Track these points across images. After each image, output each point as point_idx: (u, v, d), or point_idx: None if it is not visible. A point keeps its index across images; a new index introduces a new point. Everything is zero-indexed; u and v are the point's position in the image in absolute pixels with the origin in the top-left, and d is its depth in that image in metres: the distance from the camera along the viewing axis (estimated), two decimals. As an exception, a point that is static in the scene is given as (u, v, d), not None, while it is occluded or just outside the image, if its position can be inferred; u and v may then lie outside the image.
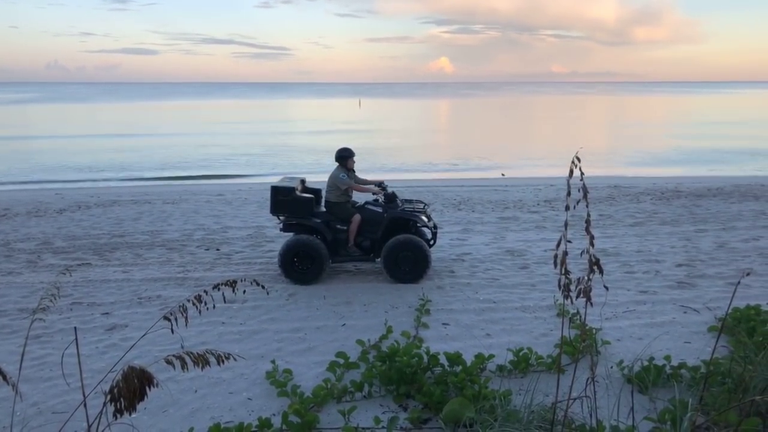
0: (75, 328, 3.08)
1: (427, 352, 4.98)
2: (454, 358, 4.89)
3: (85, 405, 2.58)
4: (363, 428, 4.20)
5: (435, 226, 8.19)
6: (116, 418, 2.14)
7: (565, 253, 2.33)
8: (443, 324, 6.37)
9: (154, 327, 3.66)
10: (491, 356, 5.10)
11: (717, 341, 3.41)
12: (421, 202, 8.35)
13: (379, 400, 4.70)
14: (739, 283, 3.24)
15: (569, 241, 2.32)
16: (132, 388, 2.04)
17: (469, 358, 4.98)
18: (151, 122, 51.60)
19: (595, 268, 2.38)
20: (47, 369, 5.34)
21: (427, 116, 64.91)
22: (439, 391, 4.44)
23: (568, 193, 2.36)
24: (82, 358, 5.35)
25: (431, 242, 8.09)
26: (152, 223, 11.73)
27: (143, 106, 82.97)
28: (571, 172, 2.31)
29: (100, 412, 2.31)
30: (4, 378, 2.65)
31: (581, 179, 2.32)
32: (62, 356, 5.03)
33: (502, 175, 20.52)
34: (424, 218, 7.90)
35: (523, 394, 4.08)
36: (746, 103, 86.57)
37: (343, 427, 4.14)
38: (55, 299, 3.24)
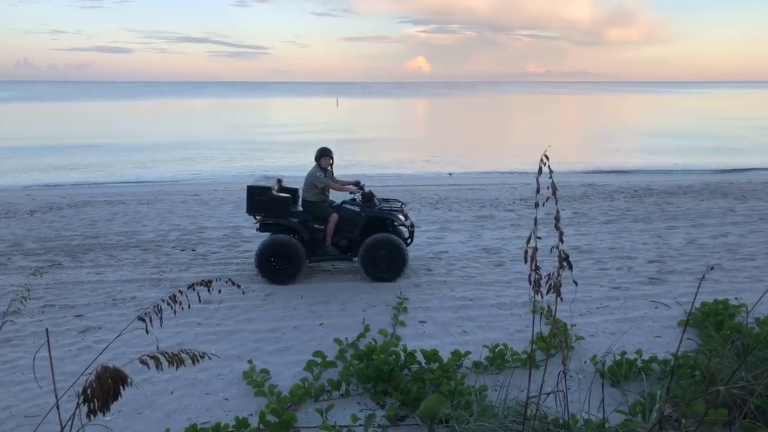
0: (47, 330, 3.04)
1: (405, 350, 5.02)
2: (431, 356, 4.94)
3: (57, 407, 2.55)
4: (340, 426, 4.21)
5: (412, 225, 8.24)
6: (89, 419, 2.13)
7: (536, 249, 2.38)
8: (420, 322, 6.41)
9: (128, 328, 3.62)
10: (467, 353, 5.16)
11: (683, 335, 3.51)
12: (399, 201, 8.40)
13: (357, 398, 4.73)
14: (703, 278, 3.33)
15: (539, 238, 2.37)
16: (105, 388, 2.03)
17: (445, 355, 5.04)
18: (124, 122, 50.82)
19: (564, 263, 2.43)
20: (19, 372, 5.25)
21: (405, 116, 65.03)
22: (416, 388, 4.48)
23: (537, 191, 2.41)
24: (55, 361, 5.27)
25: (408, 241, 8.13)
26: (126, 223, 11.57)
27: (116, 106, 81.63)
28: (540, 170, 2.36)
29: (73, 414, 2.29)
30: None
31: (550, 177, 2.38)
32: (34, 359, 4.95)
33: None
34: (402, 217, 7.94)
35: (498, 390, 4.15)
36: (714, 103, 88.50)
37: (321, 426, 4.15)
38: (26, 301, 3.19)
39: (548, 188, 2.35)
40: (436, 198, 14.35)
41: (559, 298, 2.47)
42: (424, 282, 7.74)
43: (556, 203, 2.40)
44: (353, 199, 8.18)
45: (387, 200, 8.33)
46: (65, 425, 2.47)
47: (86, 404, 2.07)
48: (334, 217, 7.90)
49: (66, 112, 65.65)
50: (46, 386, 4.62)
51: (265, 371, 5.12)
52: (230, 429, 4.16)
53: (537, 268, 2.42)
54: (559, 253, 2.41)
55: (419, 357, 4.97)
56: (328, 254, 8.02)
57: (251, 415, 4.44)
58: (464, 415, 3.83)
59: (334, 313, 6.71)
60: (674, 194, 14.54)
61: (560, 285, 2.43)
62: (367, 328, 5.95)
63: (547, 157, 2.31)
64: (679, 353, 3.75)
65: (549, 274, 2.48)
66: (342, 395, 4.75)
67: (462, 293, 7.30)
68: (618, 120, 53.51)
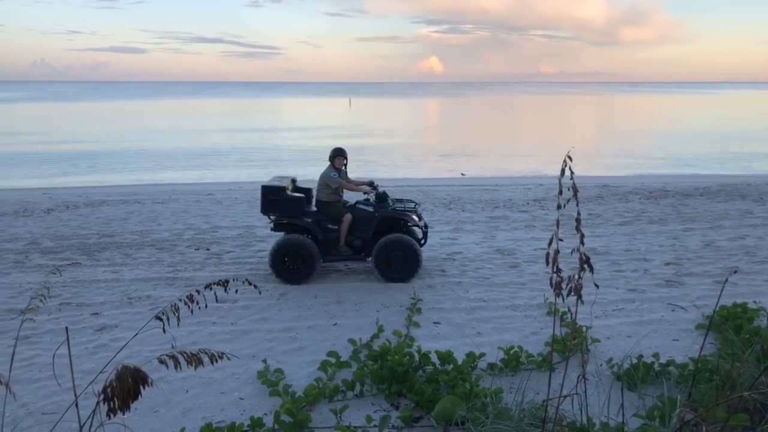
0: (66, 328, 3.06)
1: (419, 351, 5.00)
2: (446, 357, 4.91)
3: (77, 406, 2.57)
4: (355, 427, 4.21)
5: (426, 226, 8.22)
6: (109, 418, 2.14)
7: (557, 252, 2.36)
8: (434, 323, 6.39)
9: (144, 327, 3.64)
10: (482, 355, 5.13)
11: (705, 339, 3.46)
12: (412, 202, 8.37)
13: (371, 399, 4.72)
14: (726, 281, 3.28)
15: (560, 240, 2.35)
16: (126, 388, 2.04)
17: (460, 357, 5.01)
18: (140, 121, 51.25)
19: (585, 266, 2.40)
20: (36, 370, 5.30)
21: (417, 116, 65.00)
22: (431, 389, 4.46)
23: (560, 192, 2.39)
24: (72, 359, 5.31)
25: (422, 241, 8.11)
26: (141, 222, 11.66)
27: (132, 105, 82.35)
28: (563, 171, 2.34)
29: (93, 412, 2.30)
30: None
31: (571, 178, 2.35)
32: (53, 357, 5.00)
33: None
34: (415, 217, 7.92)
35: (514, 392, 4.11)
36: (729, 104, 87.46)
37: (335, 426, 4.15)
38: (45, 299, 3.22)
39: (569, 189, 2.33)
40: (449, 198, 14.30)
41: (579, 301, 2.44)
42: (438, 283, 7.71)
43: (577, 205, 2.37)
44: (367, 200, 8.17)
45: (400, 200, 8.31)
46: (84, 423, 2.49)
47: (106, 403, 2.08)
48: (348, 217, 7.89)
49: (82, 112, 66.33)
50: (63, 384, 4.66)
51: (280, 371, 5.12)
52: (245, 428, 4.17)
53: (558, 270, 2.39)
54: (580, 255, 2.38)
55: (433, 358, 4.95)
56: (342, 254, 8.02)
57: (266, 414, 4.44)
58: (480, 417, 3.81)
59: (347, 314, 6.70)
60: (690, 196, 14.38)
61: (581, 287, 2.41)
62: (380, 329, 5.94)
63: (570, 158, 2.29)
64: (699, 357, 3.69)
65: (570, 277, 2.46)
66: (356, 396, 4.74)
67: (476, 294, 7.26)
68: (632, 121, 53.04)
